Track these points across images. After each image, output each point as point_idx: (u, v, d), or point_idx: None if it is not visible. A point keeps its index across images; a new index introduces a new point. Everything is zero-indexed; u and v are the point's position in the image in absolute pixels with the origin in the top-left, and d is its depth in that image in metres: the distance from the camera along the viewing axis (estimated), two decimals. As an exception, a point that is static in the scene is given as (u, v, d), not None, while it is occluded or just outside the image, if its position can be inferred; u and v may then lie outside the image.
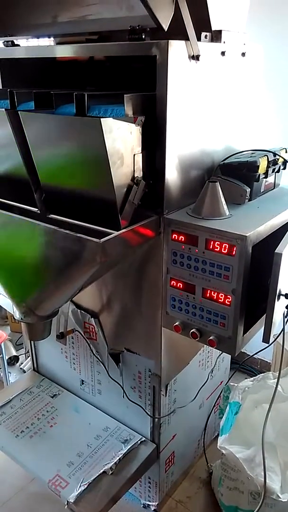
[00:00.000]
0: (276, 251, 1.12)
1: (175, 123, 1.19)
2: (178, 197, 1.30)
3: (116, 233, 1.14)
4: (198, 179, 1.37)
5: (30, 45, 1.77)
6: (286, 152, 1.52)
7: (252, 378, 1.73)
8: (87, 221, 1.26)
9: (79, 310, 1.63)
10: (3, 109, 1.24)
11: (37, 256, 1.26)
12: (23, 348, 2.68)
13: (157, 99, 1.15)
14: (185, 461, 1.86)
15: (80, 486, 1.43)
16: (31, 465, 1.54)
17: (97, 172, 1.15)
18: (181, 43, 1.13)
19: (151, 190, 1.24)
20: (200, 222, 1.22)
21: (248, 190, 1.37)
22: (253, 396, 1.66)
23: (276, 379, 1.63)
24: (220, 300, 1.23)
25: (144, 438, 1.62)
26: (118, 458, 1.53)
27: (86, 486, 1.43)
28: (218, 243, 1.18)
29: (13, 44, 1.50)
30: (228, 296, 1.21)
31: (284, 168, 1.53)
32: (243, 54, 1.41)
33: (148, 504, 1.76)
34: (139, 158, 1.18)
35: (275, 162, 1.44)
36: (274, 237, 1.22)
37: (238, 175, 1.38)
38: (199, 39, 1.20)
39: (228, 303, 1.21)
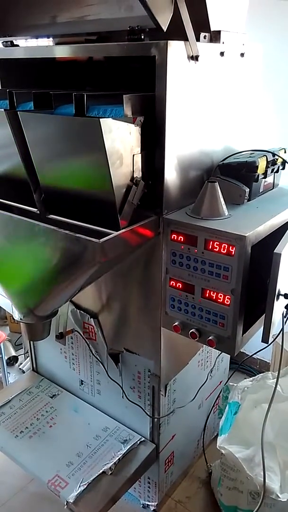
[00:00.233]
0: (275, 251, 1.12)
1: (174, 123, 1.19)
2: (177, 197, 1.31)
3: (115, 233, 1.14)
4: (197, 179, 1.37)
5: (29, 45, 1.77)
6: (285, 152, 1.52)
7: (251, 378, 1.73)
8: (86, 222, 1.26)
9: (78, 310, 1.63)
10: (2, 110, 1.24)
11: (37, 256, 1.26)
12: (22, 348, 2.68)
13: (156, 99, 1.15)
14: (184, 461, 1.86)
15: (79, 486, 1.43)
16: (31, 465, 1.54)
17: (96, 172, 1.15)
18: (180, 43, 1.13)
19: (150, 190, 1.24)
20: (199, 222, 1.22)
21: (247, 190, 1.37)
22: (253, 396, 1.66)
23: (275, 379, 1.64)
24: (219, 300, 1.23)
25: (143, 438, 1.62)
26: (117, 458, 1.53)
27: (85, 486, 1.43)
28: (217, 243, 1.18)
29: (12, 45, 1.50)
30: (227, 296, 1.21)
31: (283, 168, 1.53)
32: (242, 55, 1.41)
33: (147, 504, 1.76)
34: (138, 159, 1.18)
35: (274, 162, 1.45)
36: (273, 237, 1.22)
37: (237, 175, 1.38)
38: (198, 39, 1.19)
39: (227, 303, 1.21)
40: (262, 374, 1.74)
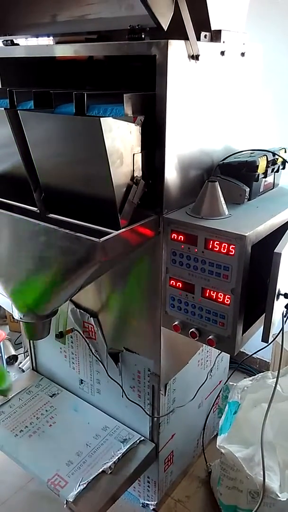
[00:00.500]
0: (275, 250, 1.12)
1: (174, 122, 1.19)
2: (178, 196, 1.31)
3: (115, 232, 1.14)
4: (198, 179, 1.37)
5: (29, 44, 1.77)
6: (285, 152, 1.52)
7: (251, 378, 1.73)
8: (86, 221, 1.26)
9: (78, 310, 1.63)
10: (3, 109, 1.24)
11: (36, 256, 1.26)
12: (22, 347, 2.68)
13: (156, 98, 1.15)
14: (184, 461, 1.86)
15: (79, 485, 1.43)
16: (30, 464, 1.55)
17: (97, 171, 1.15)
18: (181, 42, 1.13)
19: (151, 189, 1.24)
20: (200, 221, 1.22)
21: (248, 189, 1.37)
22: (252, 396, 1.66)
23: (275, 379, 1.64)
24: (219, 300, 1.23)
25: (143, 438, 1.62)
26: (117, 457, 1.53)
27: (85, 485, 1.43)
28: (218, 242, 1.18)
29: (12, 44, 1.50)
30: (228, 296, 1.21)
31: (283, 168, 1.53)
32: (243, 54, 1.41)
33: (147, 504, 1.76)
34: (138, 158, 1.18)
35: (274, 162, 1.45)
36: (273, 237, 1.22)
37: (237, 175, 1.38)
38: (198, 39, 1.19)
39: (228, 302, 1.21)
40: (262, 373, 1.74)
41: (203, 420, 1.90)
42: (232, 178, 1.38)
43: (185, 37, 1.14)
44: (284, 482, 1.48)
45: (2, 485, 1.86)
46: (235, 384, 1.70)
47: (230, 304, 1.21)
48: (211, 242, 1.19)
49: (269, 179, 1.50)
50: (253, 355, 2.18)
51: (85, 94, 1.12)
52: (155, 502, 1.74)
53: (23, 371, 2.51)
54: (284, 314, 1.27)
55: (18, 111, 1.21)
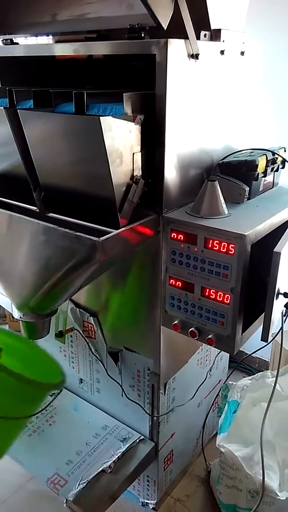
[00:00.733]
0: (275, 250, 1.12)
1: (174, 121, 1.19)
2: (177, 196, 1.31)
3: (115, 231, 1.14)
4: (197, 178, 1.37)
5: (28, 43, 1.77)
6: (285, 151, 1.52)
7: (250, 377, 1.74)
8: (86, 220, 1.26)
9: (78, 309, 1.63)
10: (2, 108, 1.24)
11: (36, 255, 1.26)
12: (21, 346, 2.67)
13: (156, 97, 1.15)
14: (183, 460, 1.86)
15: (79, 484, 1.43)
16: (30, 463, 1.55)
17: (96, 170, 1.15)
18: (181, 41, 1.13)
19: (150, 189, 1.24)
20: (199, 221, 1.22)
21: (247, 189, 1.37)
22: (252, 395, 1.67)
23: (274, 378, 1.64)
24: (219, 299, 1.23)
25: (142, 437, 1.62)
26: (116, 456, 1.53)
27: (85, 484, 1.43)
28: (217, 242, 1.18)
29: (12, 43, 1.50)
30: (227, 295, 1.21)
31: (283, 167, 1.53)
32: (242, 53, 1.41)
33: (146, 503, 1.76)
34: (138, 157, 1.18)
35: (274, 161, 1.45)
36: (273, 236, 1.22)
37: (237, 174, 1.38)
38: (198, 38, 1.19)
39: (227, 301, 1.21)
40: (261, 372, 1.74)
41: (202, 419, 1.90)
42: (232, 177, 1.38)
43: (185, 36, 1.14)
44: (284, 481, 1.48)
45: (1, 484, 1.86)
46: (234, 383, 1.70)
47: (230, 303, 1.21)
48: (211, 241, 1.19)
49: (269, 178, 1.50)
50: (252, 355, 2.18)
51: (85, 93, 1.12)
52: (155, 501, 1.74)
53: (22, 370, 2.51)
54: (284, 313, 1.27)
55: (18, 110, 1.21)
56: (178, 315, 1.34)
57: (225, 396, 1.70)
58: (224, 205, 1.26)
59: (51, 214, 1.35)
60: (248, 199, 1.39)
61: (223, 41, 1.30)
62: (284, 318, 1.27)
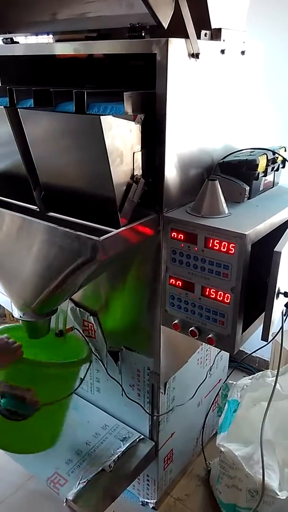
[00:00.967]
0: (275, 249, 1.12)
1: (174, 121, 1.19)
2: (177, 195, 1.30)
3: (115, 231, 1.14)
4: (197, 178, 1.37)
5: (28, 42, 1.77)
6: (285, 150, 1.52)
7: (250, 376, 1.74)
8: (86, 219, 1.26)
9: (78, 308, 1.63)
10: (2, 107, 1.24)
11: (36, 254, 1.26)
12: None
13: (156, 97, 1.15)
14: (183, 459, 1.86)
15: (79, 483, 1.43)
16: (30, 462, 1.55)
17: (97, 170, 1.15)
18: (181, 41, 1.13)
19: (150, 188, 1.24)
20: (199, 220, 1.22)
21: (247, 188, 1.37)
22: (252, 394, 1.67)
23: (274, 377, 1.64)
24: (219, 298, 1.23)
25: (142, 436, 1.62)
26: (116, 456, 1.53)
27: (85, 483, 1.44)
28: (218, 241, 1.18)
29: (12, 42, 1.50)
30: (227, 294, 1.21)
31: (283, 167, 1.53)
32: (243, 53, 1.41)
33: (146, 502, 1.77)
34: (138, 156, 1.18)
35: (274, 161, 1.44)
36: (273, 236, 1.22)
37: (237, 174, 1.38)
38: (198, 37, 1.19)
39: (227, 301, 1.21)
40: (261, 372, 1.75)
41: (202, 418, 1.90)
42: (232, 177, 1.38)
43: (185, 36, 1.13)
44: (284, 481, 1.48)
45: (1, 483, 1.86)
46: (234, 382, 1.70)
47: (230, 302, 1.21)
48: (211, 240, 1.19)
49: (269, 177, 1.50)
50: (252, 354, 2.18)
51: (85, 92, 1.12)
52: (155, 501, 1.74)
53: (22, 369, 2.51)
54: (284, 312, 1.27)
55: (18, 109, 1.20)
56: (178, 314, 1.34)
57: (225, 396, 1.70)
58: (224, 205, 1.26)
59: (51, 214, 1.34)
60: (249, 198, 1.39)
61: (224, 40, 1.30)
62: (284, 317, 1.27)
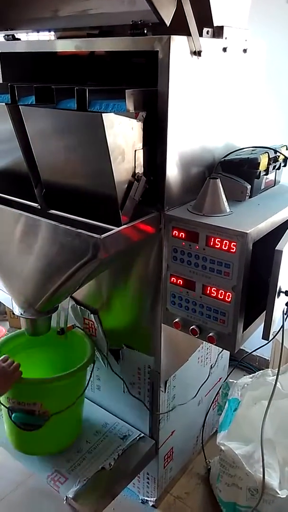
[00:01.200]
0: (276, 248, 1.12)
1: (176, 118, 1.19)
2: (179, 193, 1.30)
3: (116, 229, 1.14)
4: (199, 176, 1.37)
5: (30, 39, 1.76)
6: (286, 149, 1.52)
7: (251, 375, 1.74)
8: (87, 217, 1.25)
9: (78, 306, 1.62)
10: (4, 104, 1.23)
11: (37, 252, 1.25)
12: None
13: (158, 94, 1.15)
14: (183, 457, 1.86)
15: (79, 481, 1.43)
16: (30, 460, 1.55)
17: (98, 167, 1.14)
18: (183, 38, 1.13)
19: (152, 186, 1.24)
20: (201, 218, 1.22)
21: (249, 187, 1.37)
22: (252, 393, 1.66)
23: (275, 376, 1.64)
24: (220, 297, 1.23)
25: (142, 434, 1.62)
26: (117, 454, 1.53)
27: (85, 481, 1.44)
28: (219, 239, 1.18)
29: (14, 38, 1.49)
30: (228, 293, 1.21)
31: (285, 165, 1.53)
32: (245, 51, 1.40)
33: (146, 500, 1.77)
34: (140, 154, 1.18)
35: (275, 159, 1.44)
36: (275, 234, 1.22)
37: (238, 172, 1.38)
38: (200, 35, 1.19)
39: (228, 300, 1.21)
40: (262, 371, 1.74)
41: (202, 417, 1.90)
42: (234, 175, 1.38)
43: (187, 33, 1.13)
44: (284, 479, 1.48)
45: (1, 481, 1.86)
46: (235, 381, 1.70)
47: (231, 301, 1.21)
48: (213, 239, 1.19)
49: (271, 176, 1.49)
50: (253, 353, 2.18)
51: (87, 90, 1.12)
52: (155, 499, 1.74)
53: (22, 367, 2.50)
54: (285, 311, 1.26)
55: (20, 106, 1.20)
56: (179, 313, 1.34)
57: (225, 394, 1.70)
58: (226, 203, 1.26)
59: (52, 211, 1.34)
60: (250, 197, 1.39)
61: (226, 38, 1.30)
62: (285, 316, 1.27)
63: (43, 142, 1.23)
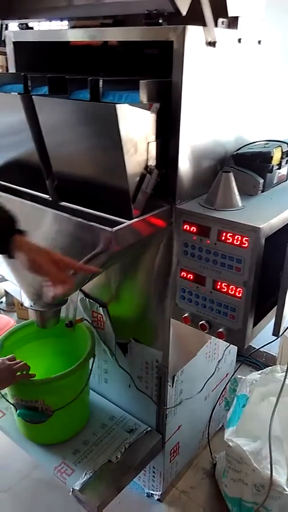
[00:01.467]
0: (289, 243, 1.11)
1: (189, 110, 1.17)
2: (190, 187, 1.29)
3: (128, 222, 1.13)
4: (211, 169, 1.35)
5: (41, 28, 1.74)
6: (300, 143, 1.49)
7: (259, 371, 1.73)
8: (98, 210, 1.24)
9: (87, 299, 1.62)
10: (17, 94, 1.22)
11: (48, 244, 1.25)
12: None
13: (172, 85, 1.13)
14: (189, 452, 1.86)
15: (85, 474, 1.44)
16: (37, 452, 1.55)
17: (110, 159, 1.13)
18: (199, 28, 1.11)
19: (163, 179, 1.22)
20: (213, 213, 1.20)
21: (261, 181, 1.35)
22: (261, 389, 1.66)
23: (284, 373, 1.63)
24: (230, 292, 1.22)
25: (149, 428, 1.62)
26: (123, 447, 1.54)
27: (91, 474, 1.44)
28: (231, 234, 1.16)
29: (27, 27, 1.48)
30: (239, 288, 1.20)
31: (298, 160, 1.50)
32: (259, 42, 1.38)
33: (151, 493, 1.77)
34: (152, 146, 1.16)
35: (289, 153, 1.42)
36: (287, 230, 1.20)
37: (251, 166, 1.36)
38: (215, 25, 1.17)
39: (239, 295, 1.20)
40: (270, 367, 1.73)
41: (209, 412, 1.90)
42: (246, 169, 1.36)
43: (202, 23, 1.11)
44: (291, 476, 1.47)
45: (7, 471, 1.88)
46: (243, 377, 1.69)
47: (242, 297, 1.20)
48: (224, 233, 1.17)
49: (283, 170, 1.47)
50: (260, 349, 2.17)
51: (101, 80, 1.10)
52: (160, 493, 1.75)
53: (29, 359, 2.51)
54: (296, 308, 1.25)
55: (33, 96, 1.19)
56: (189, 308, 1.33)
57: (233, 390, 1.69)
58: (238, 197, 1.24)
59: (63, 203, 1.33)
60: (262, 191, 1.37)
61: (241, 29, 1.27)
62: (296, 312, 1.26)
63: (55, 133, 1.22)
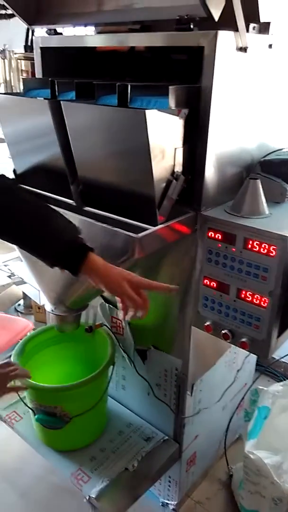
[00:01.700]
0: None
1: (218, 117, 1.16)
2: (216, 194, 1.27)
3: (153, 228, 1.12)
4: (236, 176, 1.33)
5: (65, 34, 1.75)
6: None
7: (282, 383, 1.69)
8: (122, 215, 1.23)
9: (107, 304, 1.61)
10: (45, 99, 1.22)
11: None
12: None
13: (201, 91, 1.12)
14: (205, 462, 1.83)
15: (102, 481, 1.42)
16: (54, 457, 1.54)
17: (137, 165, 1.12)
18: (230, 34, 1.09)
19: (189, 185, 1.21)
20: (239, 220, 1.18)
21: (289, 189, 1.33)
22: (281, 401, 1.62)
23: (305, 385, 1.59)
24: (255, 302, 1.19)
25: (167, 437, 1.60)
26: (140, 455, 1.52)
27: (108, 481, 1.42)
28: (257, 242, 1.14)
29: (56, 33, 1.48)
30: (265, 298, 1.17)
31: None
32: (289, 48, 1.36)
33: (166, 503, 1.74)
34: (179, 152, 1.15)
35: None
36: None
37: (278, 173, 1.34)
38: (247, 30, 1.15)
39: (264, 305, 1.18)
40: (292, 379, 1.70)
41: (226, 422, 1.86)
42: (273, 176, 1.34)
43: (233, 28, 1.09)
44: (312, 492, 1.43)
45: (23, 476, 1.87)
46: (265, 388, 1.66)
47: (267, 306, 1.17)
48: (251, 242, 1.15)
49: (310, 179, 1.44)
50: (281, 359, 2.13)
51: (129, 86, 1.09)
52: (175, 502, 1.72)
53: (45, 362, 2.51)
54: None
55: (61, 102, 1.19)
56: (211, 316, 1.31)
57: (254, 401, 1.66)
58: (265, 205, 1.22)
59: (87, 208, 1.32)
60: (289, 199, 1.35)
61: (272, 34, 1.26)
62: None
63: (82, 138, 1.21)
